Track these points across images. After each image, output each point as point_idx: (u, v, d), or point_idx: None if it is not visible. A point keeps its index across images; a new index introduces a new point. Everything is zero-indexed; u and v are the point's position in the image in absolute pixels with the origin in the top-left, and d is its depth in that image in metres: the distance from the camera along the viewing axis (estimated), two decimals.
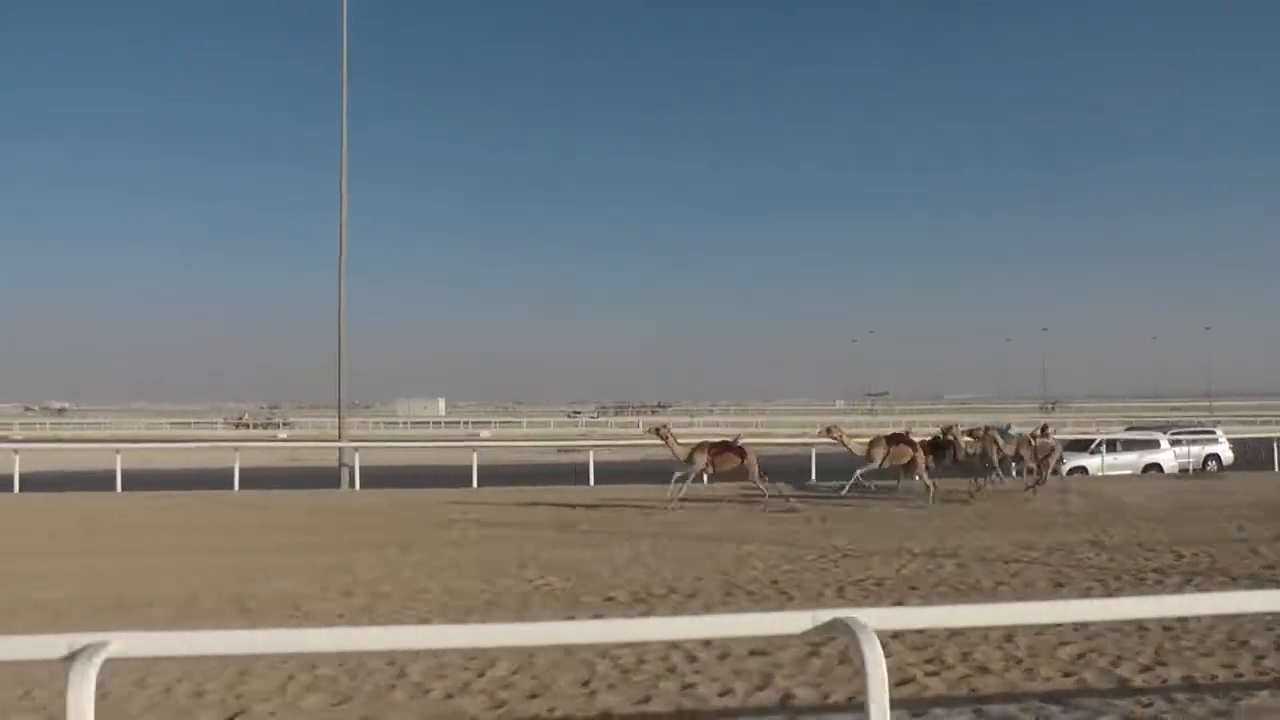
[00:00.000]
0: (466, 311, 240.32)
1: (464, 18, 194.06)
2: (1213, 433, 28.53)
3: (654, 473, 19.26)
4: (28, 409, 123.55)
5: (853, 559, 10.91)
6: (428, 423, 72.40)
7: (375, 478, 21.70)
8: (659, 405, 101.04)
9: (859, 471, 17.30)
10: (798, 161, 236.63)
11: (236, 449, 21.87)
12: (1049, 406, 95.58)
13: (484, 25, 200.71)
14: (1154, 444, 25.41)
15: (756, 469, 16.21)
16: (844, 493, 17.44)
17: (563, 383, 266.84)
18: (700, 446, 16.16)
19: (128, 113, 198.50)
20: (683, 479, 15.85)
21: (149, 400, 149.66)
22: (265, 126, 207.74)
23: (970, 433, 18.63)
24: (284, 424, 76.85)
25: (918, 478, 17.14)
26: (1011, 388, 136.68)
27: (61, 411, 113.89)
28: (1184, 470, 24.83)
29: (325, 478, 21.77)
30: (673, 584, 9.39)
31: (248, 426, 76.94)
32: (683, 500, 15.76)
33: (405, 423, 69.68)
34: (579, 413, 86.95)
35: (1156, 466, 24.67)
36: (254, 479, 21.76)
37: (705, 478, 16.37)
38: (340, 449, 21.28)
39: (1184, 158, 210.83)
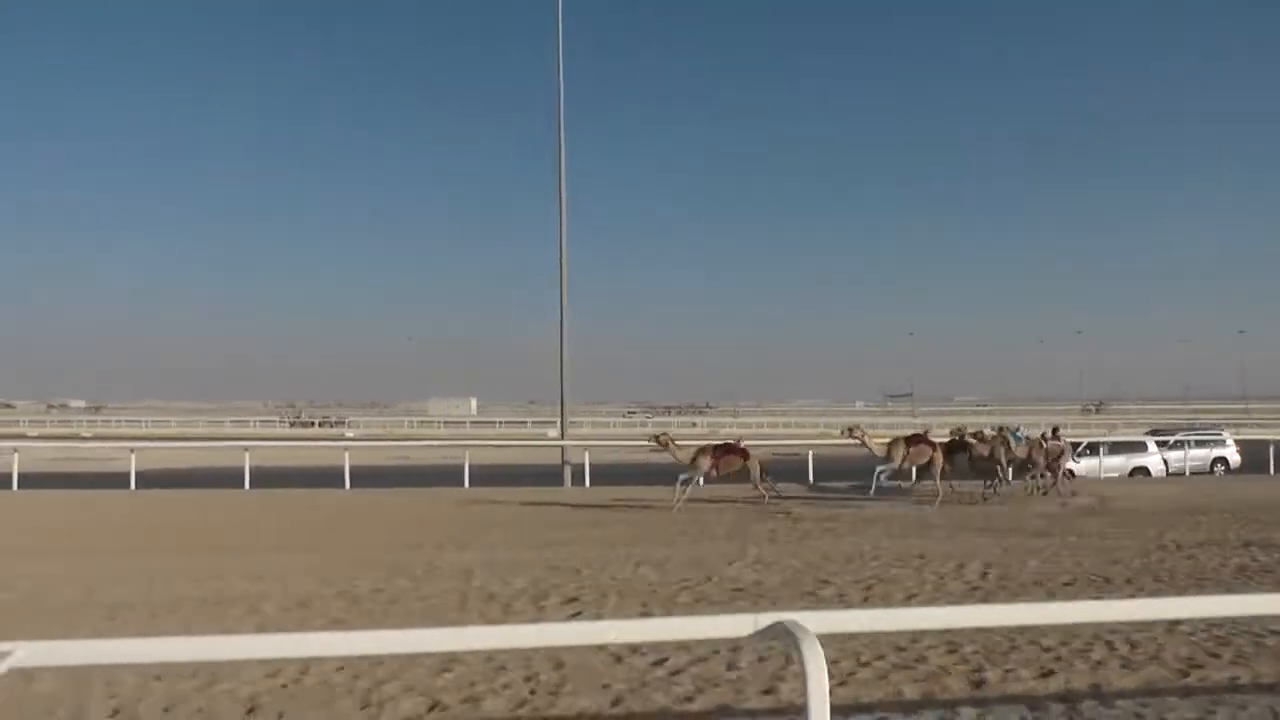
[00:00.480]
0: (471, 311, 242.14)
1: (464, 18, 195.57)
2: (1220, 435, 28.69)
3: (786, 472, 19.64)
4: (50, 407, 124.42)
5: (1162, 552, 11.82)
6: (494, 422, 73.01)
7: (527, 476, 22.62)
8: (706, 406, 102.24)
9: (879, 470, 17.40)
10: (821, 163, 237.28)
11: (465, 448, 22.85)
12: (1093, 408, 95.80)
13: (480, 26, 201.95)
14: (1141, 448, 25.57)
15: (759, 470, 16.65)
16: (871, 494, 17.36)
17: (573, 382, 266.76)
18: (703, 450, 16.60)
19: (124, 112, 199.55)
20: (686, 481, 16.44)
21: (156, 399, 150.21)
22: (267, 128, 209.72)
23: (978, 435, 18.73)
24: (347, 423, 77.73)
25: (934, 479, 17.30)
26: (1038, 390, 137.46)
27: (97, 410, 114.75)
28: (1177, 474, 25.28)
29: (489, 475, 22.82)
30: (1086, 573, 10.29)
31: (306, 425, 77.80)
32: (690, 501, 16.35)
33: (468, 422, 70.30)
34: (634, 412, 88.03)
35: (1144, 470, 24.82)
36: (447, 476, 22.72)
37: (704, 479, 16.72)
38: (563, 447, 22.24)
39: (1214, 162, 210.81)
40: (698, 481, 17.02)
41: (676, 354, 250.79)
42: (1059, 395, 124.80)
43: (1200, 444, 27.08)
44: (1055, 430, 20.03)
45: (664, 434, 17.75)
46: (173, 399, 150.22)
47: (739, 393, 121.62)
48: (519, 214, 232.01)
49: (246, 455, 21.90)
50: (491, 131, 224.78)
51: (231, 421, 73.39)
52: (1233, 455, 26.77)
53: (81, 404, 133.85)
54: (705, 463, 16.31)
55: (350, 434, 64.27)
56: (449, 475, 23.00)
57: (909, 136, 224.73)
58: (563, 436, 23.14)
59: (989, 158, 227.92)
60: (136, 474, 21.58)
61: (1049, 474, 18.62)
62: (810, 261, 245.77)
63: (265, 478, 22.37)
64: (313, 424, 77.82)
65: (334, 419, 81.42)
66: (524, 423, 71.25)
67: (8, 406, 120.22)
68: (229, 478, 22.43)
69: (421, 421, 74.50)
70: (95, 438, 56.16)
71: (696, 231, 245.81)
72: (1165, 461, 25.69)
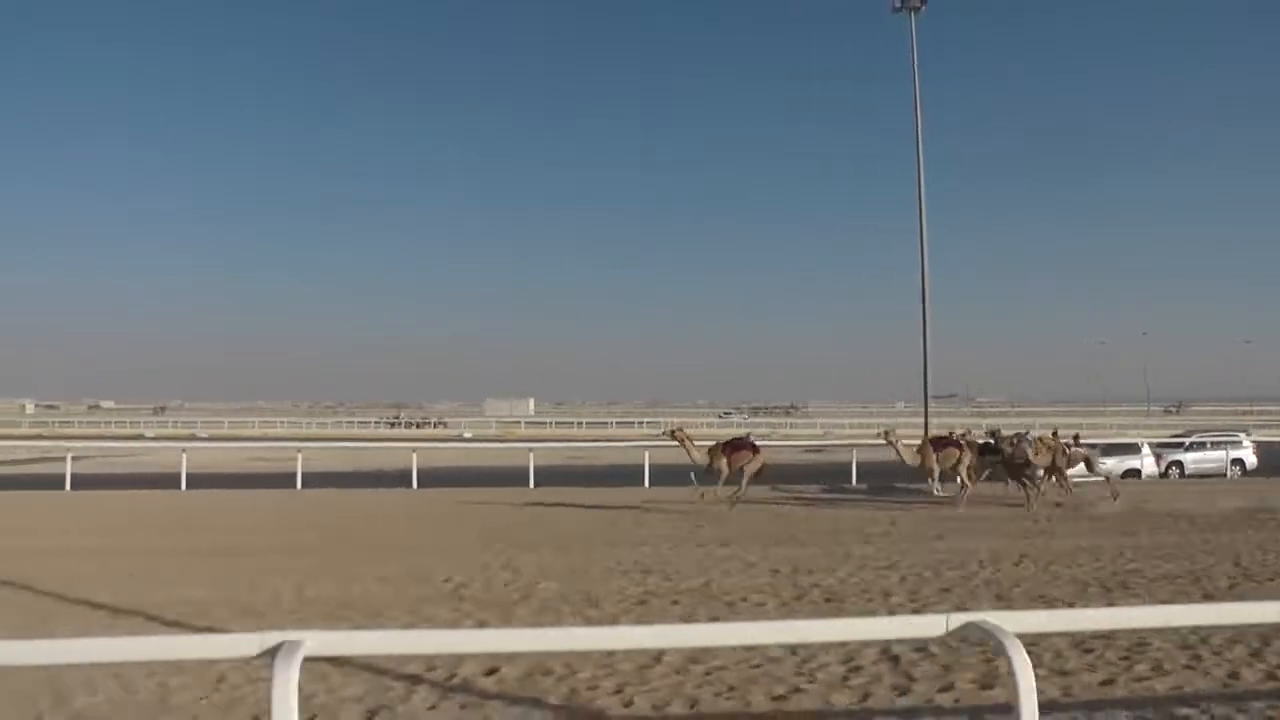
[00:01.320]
0: (472, 311, 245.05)
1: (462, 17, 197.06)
2: (1237, 438, 28.66)
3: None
4: (90, 407, 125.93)
5: None
6: (607, 423, 72.89)
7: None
8: (791, 406, 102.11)
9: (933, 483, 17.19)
10: (861, 166, 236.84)
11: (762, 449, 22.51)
12: (1173, 409, 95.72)
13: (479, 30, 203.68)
14: (1135, 449, 25.41)
15: (758, 467, 16.43)
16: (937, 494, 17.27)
17: (593, 382, 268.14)
18: (715, 448, 16.43)
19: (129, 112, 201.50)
20: (715, 480, 16.19)
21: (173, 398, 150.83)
22: (272, 131, 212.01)
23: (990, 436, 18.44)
24: (443, 423, 77.91)
25: (959, 479, 17.03)
26: (1075, 393, 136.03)
27: (162, 410, 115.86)
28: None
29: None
30: None
31: (404, 426, 78.02)
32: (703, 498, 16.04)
33: (583, 422, 70.12)
34: (730, 414, 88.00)
35: (1135, 472, 24.45)
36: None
37: (722, 477, 16.34)
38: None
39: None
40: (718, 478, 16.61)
41: (689, 355, 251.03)
42: (1106, 397, 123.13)
43: (1217, 445, 27.15)
44: (1076, 437, 19.81)
45: (680, 430, 17.39)
46: (190, 399, 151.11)
47: (806, 393, 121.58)
48: (520, 213, 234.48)
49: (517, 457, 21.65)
50: (494, 132, 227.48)
51: (345, 423, 73.60)
52: (1249, 457, 26.72)
53: (112, 404, 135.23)
54: (721, 461, 16.16)
55: (468, 434, 64.38)
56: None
57: (946, 135, 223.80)
58: (925, 431, 22.90)
59: (1036, 155, 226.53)
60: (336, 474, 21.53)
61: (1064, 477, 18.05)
62: (844, 261, 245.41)
63: (495, 476, 22.20)
64: (413, 425, 77.97)
65: (433, 420, 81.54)
66: (634, 423, 71.03)
67: (51, 408, 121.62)
68: (447, 477, 22.63)
69: (530, 422, 74.58)
70: (211, 439, 56.40)
71: (713, 230, 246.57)
72: (1182, 464, 25.80)
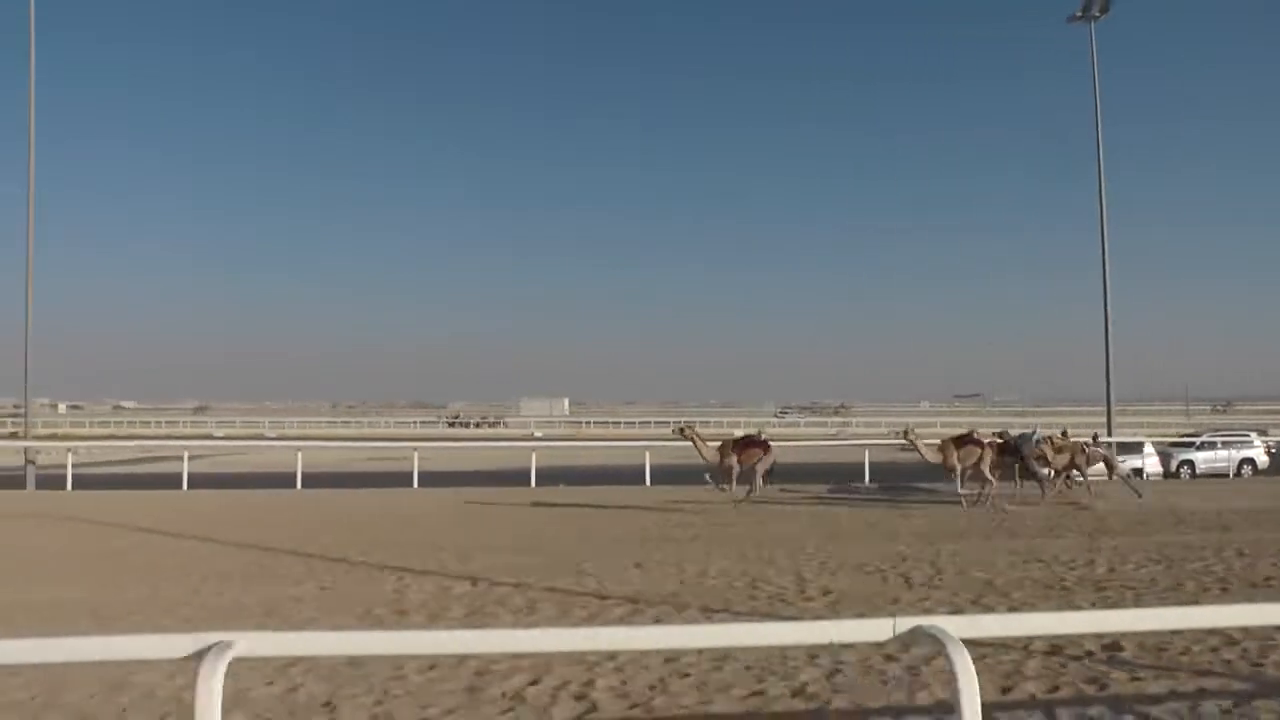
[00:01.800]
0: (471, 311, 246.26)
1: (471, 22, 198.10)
2: (1248, 437, 29.03)
3: None
4: (115, 408, 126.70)
5: None
6: (659, 421, 73.37)
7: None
8: (841, 406, 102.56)
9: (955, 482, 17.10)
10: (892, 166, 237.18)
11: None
12: (1221, 408, 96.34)
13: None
14: (1138, 448, 25.64)
15: (770, 465, 16.46)
16: (966, 506, 16.81)
17: (595, 382, 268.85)
18: (725, 446, 16.39)
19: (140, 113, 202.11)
20: (719, 479, 16.34)
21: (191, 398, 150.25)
22: (272, 131, 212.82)
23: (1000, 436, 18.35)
24: (503, 422, 78.54)
25: (980, 479, 16.97)
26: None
27: (203, 410, 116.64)
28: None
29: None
30: None
31: (464, 425, 78.75)
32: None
33: (652, 421, 70.67)
34: (787, 412, 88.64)
35: (1139, 471, 24.48)
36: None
37: (734, 475, 16.33)
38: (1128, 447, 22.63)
39: None
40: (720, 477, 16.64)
41: (723, 354, 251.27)
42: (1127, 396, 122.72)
43: (1228, 445, 27.52)
44: (1095, 437, 20.10)
45: (690, 428, 17.16)
46: (191, 398, 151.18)
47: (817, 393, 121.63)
48: (520, 213, 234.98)
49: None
50: (494, 132, 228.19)
51: (408, 424, 74.19)
52: (1260, 456, 27.05)
53: (133, 404, 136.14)
54: (732, 459, 16.13)
55: (539, 434, 64.93)
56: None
57: (967, 135, 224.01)
58: (1110, 433, 23.53)
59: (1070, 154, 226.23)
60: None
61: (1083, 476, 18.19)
62: (844, 261, 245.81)
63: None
64: (469, 424, 78.69)
65: (491, 419, 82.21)
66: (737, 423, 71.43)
67: (76, 408, 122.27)
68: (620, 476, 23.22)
69: (595, 422, 75.18)
70: (280, 438, 56.98)
71: (713, 230, 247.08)
72: (1191, 463, 26.10)
